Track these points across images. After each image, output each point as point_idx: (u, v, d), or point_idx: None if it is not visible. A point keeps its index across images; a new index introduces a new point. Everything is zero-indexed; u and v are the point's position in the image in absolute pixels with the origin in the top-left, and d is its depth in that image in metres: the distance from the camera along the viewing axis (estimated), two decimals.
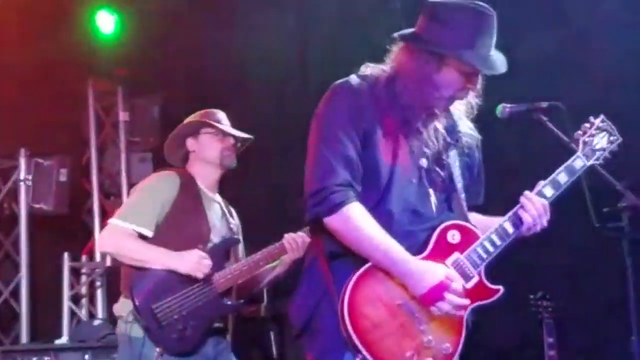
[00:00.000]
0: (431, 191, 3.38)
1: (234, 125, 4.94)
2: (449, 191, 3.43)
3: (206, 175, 4.83)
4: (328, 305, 3.24)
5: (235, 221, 4.94)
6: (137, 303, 4.46)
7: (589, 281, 6.18)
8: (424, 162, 3.37)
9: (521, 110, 4.18)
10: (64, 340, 7.15)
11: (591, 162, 3.54)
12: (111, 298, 7.07)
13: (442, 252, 3.30)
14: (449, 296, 3.20)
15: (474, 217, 3.56)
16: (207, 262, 4.56)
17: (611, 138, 3.58)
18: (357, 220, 3.20)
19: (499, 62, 3.34)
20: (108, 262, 7.99)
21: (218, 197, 4.92)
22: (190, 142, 4.84)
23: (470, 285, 3.32)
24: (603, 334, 6.08)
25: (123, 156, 8.27)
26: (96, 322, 7.23)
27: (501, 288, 3.39)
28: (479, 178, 3.60)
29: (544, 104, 4.09)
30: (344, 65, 3.51)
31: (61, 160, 7.61)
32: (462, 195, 3.45)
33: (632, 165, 5.38)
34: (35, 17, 7.07)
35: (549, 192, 3.47)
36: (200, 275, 4.53)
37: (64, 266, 7.87)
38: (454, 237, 3.33)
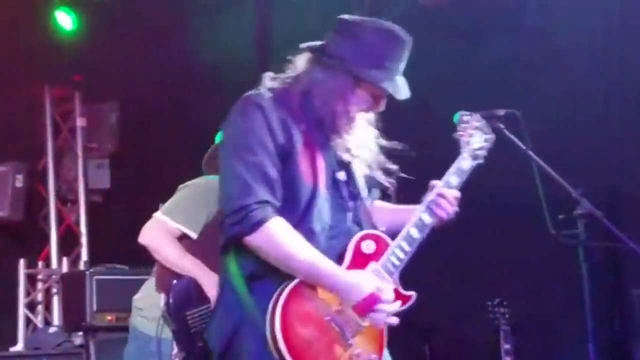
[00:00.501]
0: (349, 204, 3.37)
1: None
2: (358, 201, 3.43)
3: None
4: (248, 330, 3.19)
5: None
6: (171, 307, 4.42)
7: (545, 288, 6.23)
8: (341, 175, 3.37)
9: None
10: (19, 347, 7.08)
11: (476, 162, 3.51)
12: (67, 305, 7.01)
13: (359, 263, 3.29)
14: (382, 306, 3.22)
15: (383, 207, 3.57)
16: None
17: (486, 136, 3.57)
18: (280, 235, 3.15)
19: (405, 86, 3.36)
20: (64, 269, 7.92)
21: None
22: None
23: None
24: (559, 340, 6.13)
25: (80, 162, 8.21)
26: (52, 330, 7.16)
27: (414, 294, 3.37)
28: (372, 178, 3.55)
29: (501, 112, 4.12)
30: None
31: (17, 166, 7.55)
32: (367, 203, 3.45)
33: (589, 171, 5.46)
34: None
35: (454, 180, 3.46)
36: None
37: (19, 273, 7.79)
38: (368, 246, 3.32)
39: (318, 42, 3.39)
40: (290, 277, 3.19)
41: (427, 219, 3.40)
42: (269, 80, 3.36)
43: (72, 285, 6.79)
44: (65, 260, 8.16)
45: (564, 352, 6.08)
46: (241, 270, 3.23)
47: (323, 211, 3.27)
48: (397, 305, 3.29)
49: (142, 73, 7.62)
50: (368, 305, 3.19)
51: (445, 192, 3.42)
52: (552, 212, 4.13)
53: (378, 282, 3.24)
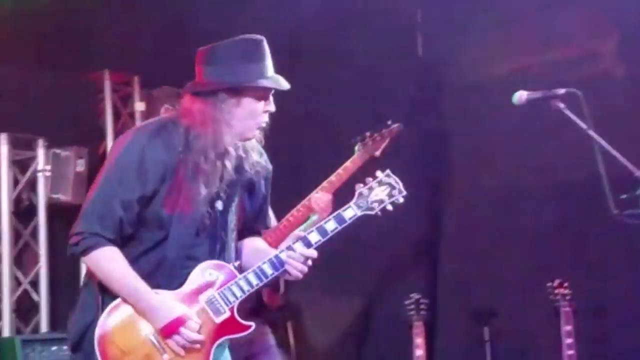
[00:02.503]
0: (211, 231, 3.63)
1: None
2: (225, 230, 3.68)
3: None
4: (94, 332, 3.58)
5: None
6: None
7: (607, 268, 6.17)
8: (219, 205, 3.64)
9: (538, 97, 4.19)
10: None
11: (363, 212, 3.69)
12: None
13: (197, 289, 3.59)
14: (183, 331, 3.51)
15: (256, 244, 3.83)
16: None
17: (393, 192, 3.71)
18: (105, 262, 3.55)
19: (282, 80, 3.64)
20: None
21: None
22: None
23: (220, 319, 3.59)
24: (622, 322, 6.07)
25: None
26: None
27: (252, 325, 3.63)
28: (261, 210, 3.86)
29: (562, 91, 4.09)
30: None
31: (78, 151, 7.61)
32: (232, 235, 3.71)
33: None
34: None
35: (314, 237, 3.65)
36: None
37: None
38: (211, 274, 3.60)
39: (190, 82, 3.70)
40: None
41: (268, 271, 3.63)
42: (164, 112, 3.77)
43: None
44: None
45: (626, 334, 6.02)
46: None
47: (182, 241, 3.57)
48: (196, 336, 3.53)
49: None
50: (170, 330, 3.51)
51: (297, 250, 3.62)
52: (614, 192, 4.08)
53: (186, 312, 3.53)
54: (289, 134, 6.85)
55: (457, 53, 6.87)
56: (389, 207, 3.72)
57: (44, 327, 7.36)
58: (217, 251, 3.65)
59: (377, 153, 5.17)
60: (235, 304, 3.61)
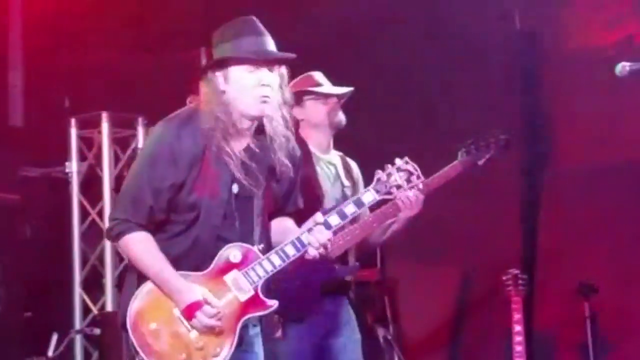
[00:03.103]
0: (237, 215, 3.79)
1: None
2: (252, 214, 3.82)
3: (318, 139, 4.93)
4: None
5: (348, 183, 4.97)
6: None
7: None
8: (234, 188, 3.78)
9: None
10: None
11: (381, 197, 3.83)
12: None
13: (222, 270, 3.76)
14: (198, 314, 3.69)
15: (285, 225, 3.95)
16: None
17: (411, 177, 3.82)
18: (135, 247, 3.76)
19: (269, 51, 3.76)
20: None
21: (334, 158, 4.99)
22: (297, 111, 4.86)
23: (244, 298, 3.76)
24: None
25: None
26: None
27: (275, 302, 3.81)
28: (290, 194, 3.98)
29: None
30: None
31: None
32: (258, 220, 3.83)
33: None
34: None
35: (334, 220, 3.81)
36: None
37: None
38: (235, 256, 3.76)
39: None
40: None
41: (290, 252, 3.77)
42: (188, 102, 3.88)
43: None
44: None
45: None
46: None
47: (212, 223, 3.75)
48: (209, 322, 3.70)
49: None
50: (191, 311, 3.70)
51: (316, 231, 3.76)
52: None
53: (206, 295, 3.71)
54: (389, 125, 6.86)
55: (555, 24, 6.74)
56: (409, 193, 3.93)
57: (109, 305, 7.47)
58: (243, 233, 3.81)
59: (481, 162, 5.04)
60: (259, 284, 3.78)
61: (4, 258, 7.10)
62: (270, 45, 3.79)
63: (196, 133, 3.74)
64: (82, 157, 7.65)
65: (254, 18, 3.81)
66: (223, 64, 3.76)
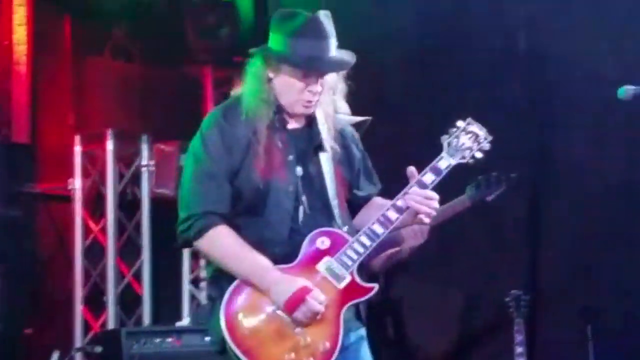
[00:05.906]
0: (304, 199, 3.60)
1: None
2: (323, 197, 3.64)
3: None
4: None
5: None
6: None
7: None
8: (299, 170, 3.63)
9: None
10: (185, 322, 7.30)
11: (457, 161, 3.65)
12: None
13: (312, 258, 3.56)
14: (308, 300, 3.47)
15: (377, 202, 3.75)
16: None
17: (479, 138, 3.67)
18: (222, 240, 3.54)
19: (326, 61, 3.57)
20: None
21: None
22: None
23: (342, 285, 3.55)
24: None
25: None
26: None
27: (375, 285, 3.60)
28: (360, 172, 3.79)
29: None
30: None
31: (181, 146, 7.74)
32: (335, 202, 3.64)
33: None
34: None
35: (429, 178, 3.63)
36: None
37: (184, 249, 8.00)
38: (323, 242, 3.56)
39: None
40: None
41: (393, 215, 3.57)
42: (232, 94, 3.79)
43: None
44: None
45: None
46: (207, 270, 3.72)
47: (283, 205, 3.57)
48: (320, 306, 3.48)
49: None
50: (294, 301, 3.47)
51: (415, 191, 3.59)
52: None
53: (306, 283, 3.49)
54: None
55: (560, 48, 6.75)
56: (478, 155, 3.68)
57: (146, 319, 7.49)
58: (320, 217, 3.64)
59: (489, 198, 5.01)
60: (354, 268, 3.57)
61: (6, 274, 7.08)
62: (330, 49, 3.60)
63: (242, 118, 3.61)
64: (85, 174, 7.65)
65: (321, 17, 3.59)
66: (274, 56, 3.62)
